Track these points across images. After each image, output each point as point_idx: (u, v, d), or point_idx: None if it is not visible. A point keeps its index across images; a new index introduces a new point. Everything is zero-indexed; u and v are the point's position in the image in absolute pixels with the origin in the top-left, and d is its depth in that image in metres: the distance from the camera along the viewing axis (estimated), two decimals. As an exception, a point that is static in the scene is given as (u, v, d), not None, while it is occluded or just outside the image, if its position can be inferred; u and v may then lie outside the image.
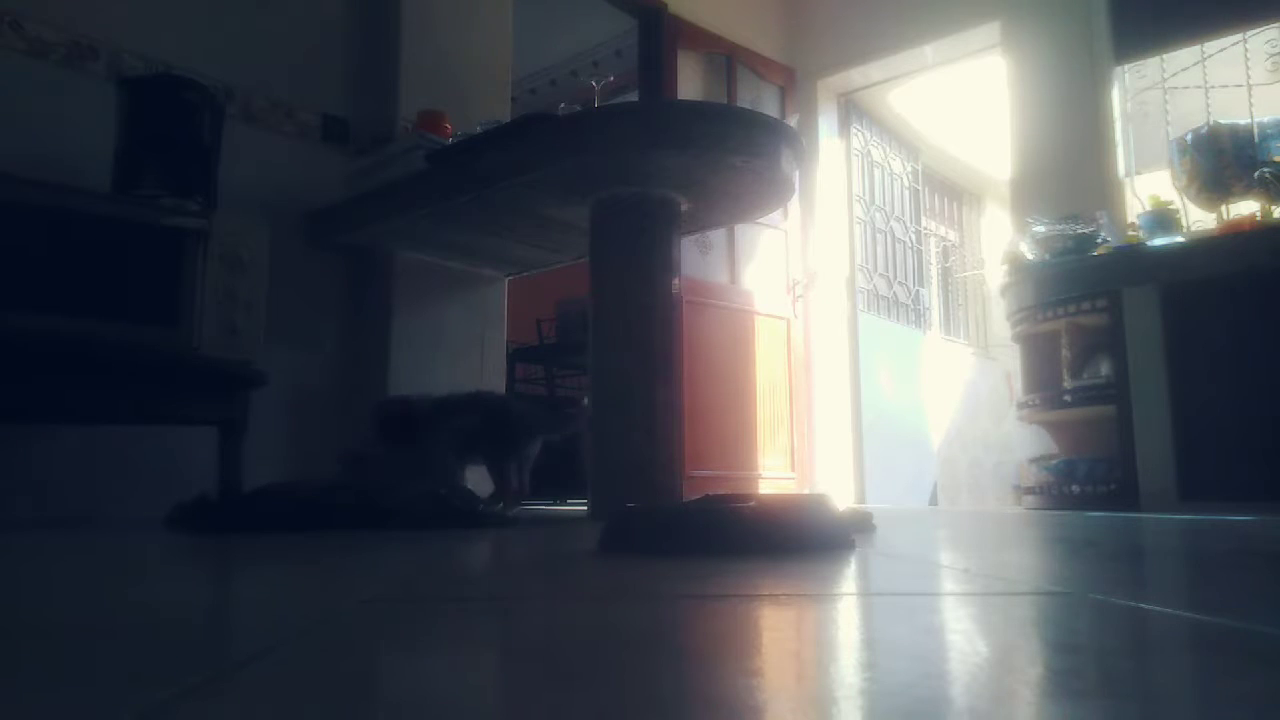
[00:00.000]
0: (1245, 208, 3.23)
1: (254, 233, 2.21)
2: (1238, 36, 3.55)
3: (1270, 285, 2.90)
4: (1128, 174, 3.81)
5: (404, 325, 2.94)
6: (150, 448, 2.41)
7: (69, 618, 0.71)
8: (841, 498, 4.26)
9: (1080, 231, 3.44)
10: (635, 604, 0.79)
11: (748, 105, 4.35)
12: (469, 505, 1.93)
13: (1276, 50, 3.50)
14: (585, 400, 2.92)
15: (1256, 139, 3.23)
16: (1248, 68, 3.53)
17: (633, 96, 4.27)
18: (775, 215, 4.24)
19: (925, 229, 5.86)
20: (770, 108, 4.61)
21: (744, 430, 4.16)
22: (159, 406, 2.07)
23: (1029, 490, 3.56)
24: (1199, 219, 3.47)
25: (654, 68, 4.09)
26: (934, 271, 6.36)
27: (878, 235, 5.05)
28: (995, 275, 5.51)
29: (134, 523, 2.02)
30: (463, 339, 3.11)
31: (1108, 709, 0.41)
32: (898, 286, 5.16)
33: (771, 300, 4.44)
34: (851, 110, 4.95)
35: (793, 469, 4.41)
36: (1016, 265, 3.64)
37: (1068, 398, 3.37)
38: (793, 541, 1.21)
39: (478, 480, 2.55)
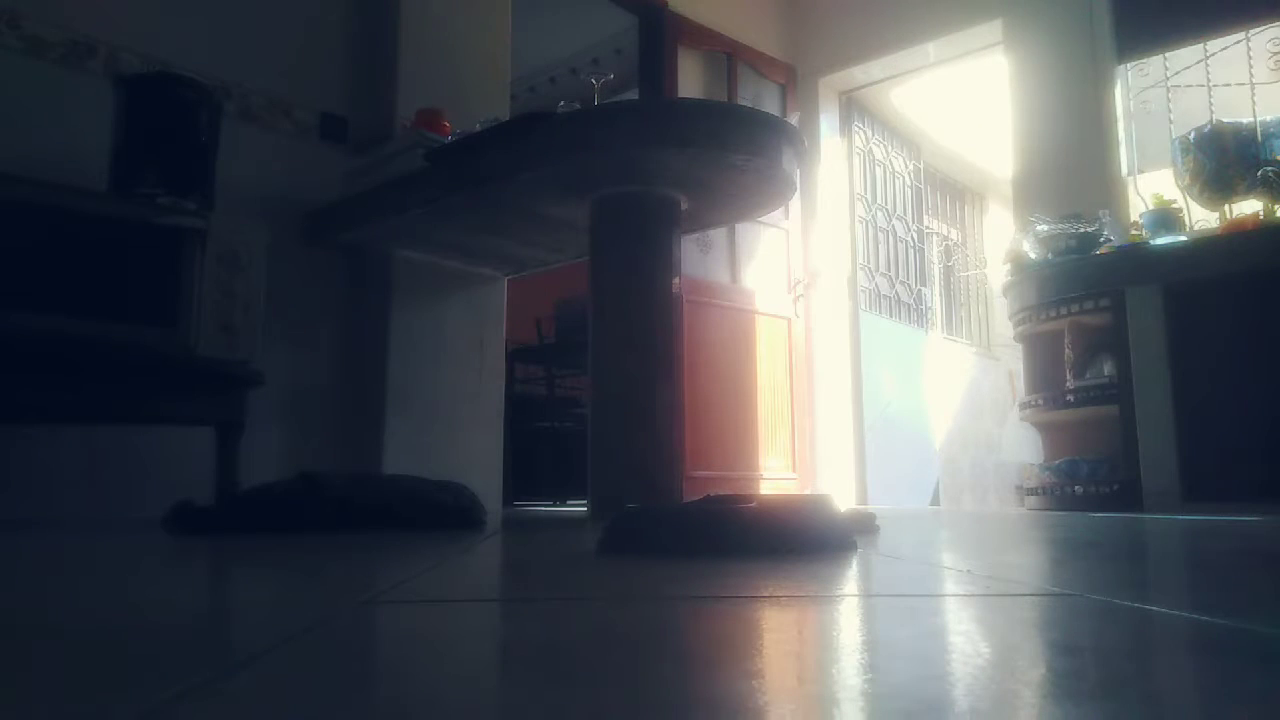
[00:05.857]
0: (1248, 207, 3.23)
1: (252, 232, 2.20)
2: (1240, 35, 3.54)
3: (1274, 284, 2.90)
4: (1130, 173, 3.80)
5: (402, 325, 2.93)
6: (149, 448, 2.41)
7: (69, 618, 0.70)
8: (843, 498, 4.26)
9: (1083, 230, 3.44)
10: (636, 605, 0.79)
11: (748, 103, 4.34)
12: (468, 504, 1.93)
13: (1279, 49, 3.49)
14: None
15: (1259, 138, 3.22)
16: (1250, 66, 3.53)
17: (633, 94, 4.26)
18: (776, 214, 4.24)
19: (927, 228, 5.85)
20: (771, 106, 4.61)
21: (745, 430, 4.16)
22: (156, 406, 2.07)
23: (1031, 491, 3.55)
24: (1202, 218, 3.46)
25: (654, 66, 4.08)
26: (936, 271, 6.36)
27: (879, 234, 5.04)
28: (998, 274, 5.50)
29: (133, 523, 2.01)
30: (462, 339, 3.11)
31: (1109, 710, 0.41)
32: (899, 286, 5.15)
33: (772, 299, 4.44)
34: (853, 108, 4.94)
35: (794, 469, 4.40)
36: (1019, 264, 3.64)
37: (1070, 398, 3.37)
38: (794, 542, 1.20)
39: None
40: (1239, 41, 3.55)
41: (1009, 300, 3.76)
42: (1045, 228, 3.51)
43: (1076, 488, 3.31)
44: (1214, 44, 3.62)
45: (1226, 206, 3.29)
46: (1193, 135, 3.33)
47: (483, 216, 2.62)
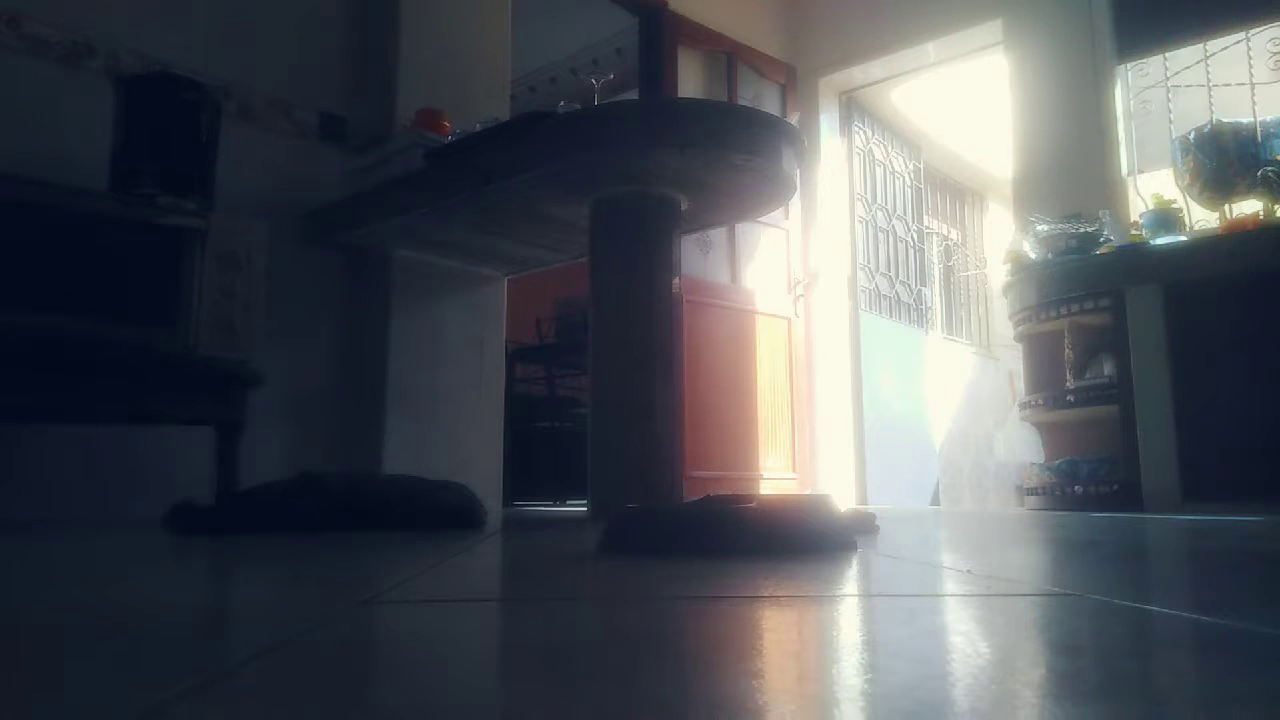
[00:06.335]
0: (1248, 207, 3.23)
1: (252, 232, 2.20)
2: (1240, 35, 3.54)
3: (1273, 284, 2.90)
4: (1130, 173, 3.80)
5: (402, 324, 2.93)
6: (149, 448, 2.41)
7: (69, 618, 0.70)
8: (843, 498, 4.26)
9: (1083, 230, 3.44)
10: (636, 605, 0.79)
11: (748, 103, 4.34)
12: (468, 504, 1.93)
13: (1279, 49, 3.50)
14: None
15: (1259, 138, 3.22)
16: (1250, 66, 3.53)
17: (633, 94, 4.26)
18: (776, 214, 4.23)
19: (927, 228, 5.85)
20: (771, 105, 4.61)
21: (745, 430, 4.16)
22: (155, 406, 2.07)
23: (1031, 491, 3.55)
24: (1202, 218, 3.46)
25: (654, 65, 4.08)
26: (936, 271, 6.36)
27: (879, 234, 5.04)
28: (998, 274, 5.50)
29: (133, 523, 2.01)
30: (461, 338, 3.11)
31: (1110, 710, 0.41)
32: (899, 286, 5.15)
33: (773, 300, 4.44)
34: (853, 108, 4.94)
35: (794, 469, 4.40)
36: (1019, 264, 3.64)
37: (1070, 398, 3.37)
38: (794, 542, 1.20)
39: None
40: (1239, 41, 3.55)
41: (1009, 300, 3.76)
42: (1045, 228, 3.51)
43: (1076, 488, 3.31)
44: (1214, 44, 3.62)
45: (1226, 206, 3.29)
46: (1193, 135, 3.33)
47: (482, 216, 2.62)
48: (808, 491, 4.31)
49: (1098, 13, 3.85)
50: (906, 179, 5.35)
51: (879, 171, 5.11)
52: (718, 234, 4.19)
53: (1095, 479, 3.26)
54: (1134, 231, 3.44)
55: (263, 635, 0.63)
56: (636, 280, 2.31)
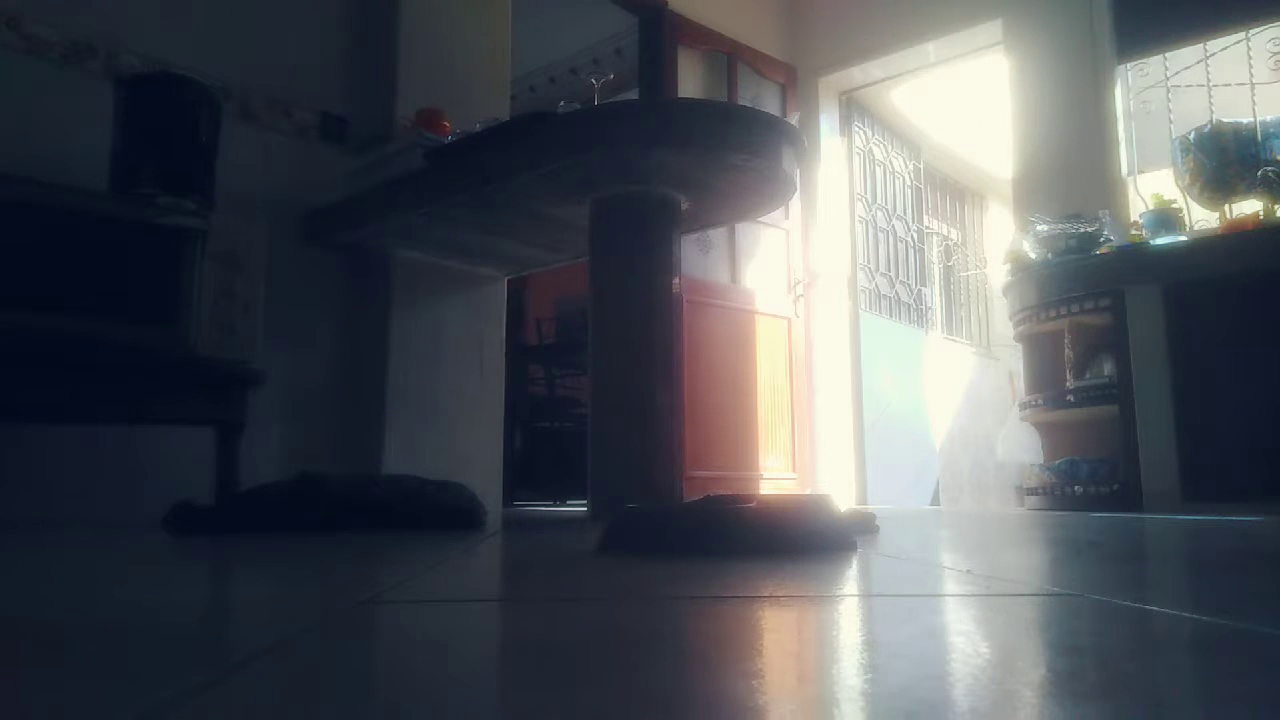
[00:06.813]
0: (1248, 207, 3.23)
1: (252, 232, 2.20)
2: (1240, 35, 3.54)
3: (1273, 284, 2.90)
4: (1130, 173, 3.80)
5: (402, 324, 2.93)
6: (149, 448, 2.41)
7: (69, 618, 0.70)
8: (843, 498, 4.26)
9: (1083, 230, 3.44)
10: (636, 605, 0.79)
11: (748, 103, 4.34)
12: (468, 504, 1.93)
13: (1279, 49, 3.50)
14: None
15: (1259, 138, 3.23)
16: (1250, 66, 3.53)
17: (633, 94, 4.26)
18: (776, 214, 4.23)
19: (927, 228, 5.85)
20: (771, 106, 4.61)
21: (745, 430, 4.16)
22: (155, 407, 2.07)
23: (1031, 491, 3.55)
24: (1202, 218, 3.46)
25: (654, 65, 4.08)
26: (936, 271, 6.35)
27: (879, 234, 5.04)
28: (998, 274, 5.50)
29: (133, 523, 2.01)
30: (461, 338, 3.11)
31: (1110, 710, 0.41)
32: (900, 286, 5.15)
33: (772, 300, 4.44)
34: (853, 108, 4.94)
35: (794, 469, 4.40)
36: (1019, 264, 3.64)
37: (1070, 398, 3.37)
38: (794, 543, 1.21)
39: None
40: (1239, 41, 3.55)
41: (1009, 300, 3.76)
42: (1045, 228, 3.51)
43: (1076, 488, 3.31)
44: (1214, 44, 3.62)
45: (1226, 206, 3.29)
46: (1193, 135, 3.33)
47: (482, 216, 2.62)
48: (808, 491, 4.31)
49: (1098, 13, 3.85)
50: (906, 179, 5.35)
51: (879, 171, 5.11)
52: (718, 234, 4.19)
53: (1095, 479, 3.26)
54: (1134, 231, 3.44)
55: (263, 635, 0.63)
56: (636, 280, 2.31)
